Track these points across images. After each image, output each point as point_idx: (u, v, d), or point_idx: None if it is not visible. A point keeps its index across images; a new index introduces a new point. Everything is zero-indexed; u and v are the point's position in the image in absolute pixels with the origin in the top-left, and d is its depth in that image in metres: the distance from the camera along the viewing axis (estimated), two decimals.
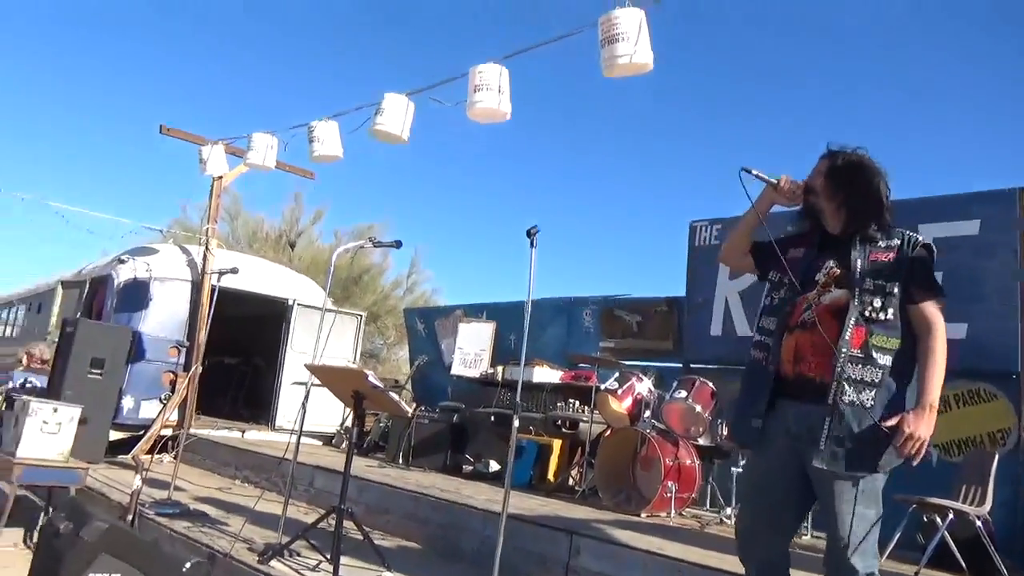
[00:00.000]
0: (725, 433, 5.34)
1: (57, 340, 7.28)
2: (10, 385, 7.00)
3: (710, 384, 5.36)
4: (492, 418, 7.04)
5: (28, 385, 6.93)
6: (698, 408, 5.22)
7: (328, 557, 3.79)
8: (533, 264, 3.40)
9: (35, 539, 4.99)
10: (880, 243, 2.46)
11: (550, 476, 6.34)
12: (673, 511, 5.04)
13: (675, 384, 5.48)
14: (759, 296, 6.02)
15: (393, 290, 22.79)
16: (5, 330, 12.87)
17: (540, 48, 4.48)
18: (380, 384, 3.71)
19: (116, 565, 2.37)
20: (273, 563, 3.88)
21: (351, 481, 5.21)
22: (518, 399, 3.42)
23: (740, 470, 5.07)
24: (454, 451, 7.06)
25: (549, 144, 36.67)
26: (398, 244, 4.81)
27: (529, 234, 3.38)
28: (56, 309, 9.69)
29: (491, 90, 4.39)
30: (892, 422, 2.26)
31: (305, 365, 4.11)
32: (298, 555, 4.04)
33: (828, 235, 2.58)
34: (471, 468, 6.90)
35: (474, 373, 8.43)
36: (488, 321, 8.83)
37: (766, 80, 31.28)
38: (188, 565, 2.57)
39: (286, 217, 23.43)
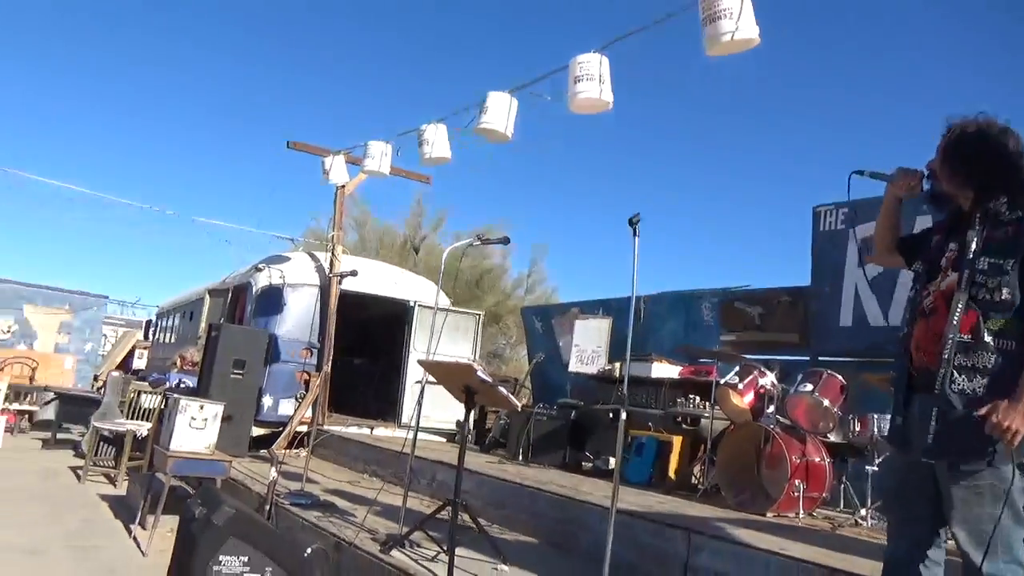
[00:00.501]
0: (858, 429, 5.01)
1: (204, 343, 7.92)
2: (167, 385, 7.70)
3: (839, 377, 5.03)
4: (610, 415, 6.96)
5: (181, 385, 7.59)
6: (826, 402, 4.92)
7: (445, 548, 3.88)
8: (636, 254, 3.32)
9: None
10: (1003, 217, 2.25)
11: (671, 474, 6.18)
12: (801, 511, 4.77)
13: (800, 377, 5.19)
14: (892, 283, 5.63)
15: (515, 290, 23.10)
16: (166, 336, 14.17)
17: (642, 33, 4.37)
18: (489, 378, 3.76)
19: (243, 548, 2.54)
20: (394, 553, 4.03)
21: (471, 476, 5.35)
22: (624, 391, 3.34)
23: (875, 468, 4.73)
24: (573, 448, 7.04)
25: (665, 133, 35.94)
26: (506, 240, 4.87)
27: (631, 223, 3.30)
28: (204, 315, 10.53)
29: (592, 80, 4.34)
30: (983, 410, 2.07)
31: (418, 361, 4.24)
32: (418, 546, 4.17)
33: (958, 216, 2.41)
34: (590, 465, 6.85)
35: (591, 369, 8.37)
36: (605, 317, 8.75)
37: (896, 56, 29.11)
38: (309, 550, 2.71)
39: (409, 223, 24.31)
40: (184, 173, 43.71)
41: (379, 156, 6.62)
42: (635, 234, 3.34)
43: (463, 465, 4.10)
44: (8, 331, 12.10)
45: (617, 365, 7.80)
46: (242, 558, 2.54)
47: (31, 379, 11.54)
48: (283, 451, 6.58)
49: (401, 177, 8.93)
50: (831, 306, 6.28)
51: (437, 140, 5.92)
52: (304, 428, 8.13)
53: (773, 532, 4.13)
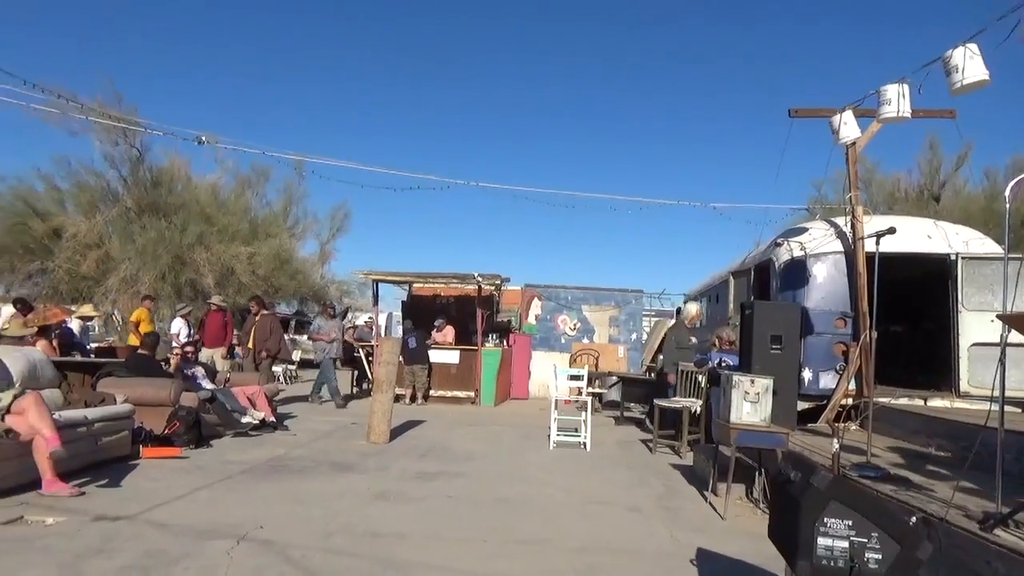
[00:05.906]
0: None
1: (738, 323, 8.29)
2: (710, 365, 8.32)
3: None
4: None
5: (722, 364, 8.09)
6: None
7: None
8: None
9: (754, 494, 5.81)
10: None
11: None
12: None
13: None
14: None
15: None
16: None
17: None
18: None
19: (846, 512, 2.60)
20: (997, 531, 3.62)
21: None
22: None
23: None
24: None
25: None
26: None
27: None
28: (731, 296, 11.04)
29: None
30: None
31: (999, 316, 3.72)
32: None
33: None
34: None
35: None
36: None
37: None
38: (914, 519, 2.63)
39: (923, 169, 21.57)
40: (697, 165, 48.04)
41: (896, 99, 6.03)
42: None
43: None
44: (574, 328, 14.74)
45: None
46: (846, 521, 2.59)
47: (595, 366, 13.82)
48: (840, 425, 6.45)
49: (920, 119, 7.95)
50: None
51: (968, 63, 5.14)
52: (848, 401, 7.87)
53: None
